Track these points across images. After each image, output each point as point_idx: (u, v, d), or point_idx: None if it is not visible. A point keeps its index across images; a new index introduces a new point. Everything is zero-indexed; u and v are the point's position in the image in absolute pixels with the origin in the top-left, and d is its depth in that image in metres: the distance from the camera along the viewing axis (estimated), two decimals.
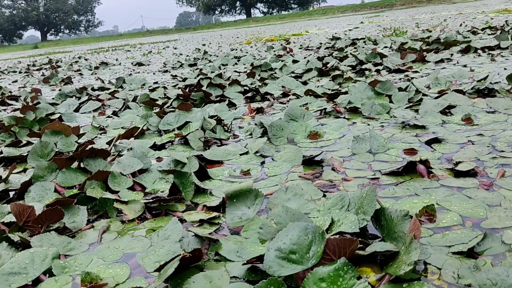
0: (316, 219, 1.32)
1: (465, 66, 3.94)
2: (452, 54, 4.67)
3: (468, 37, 5.80)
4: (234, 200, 1.45)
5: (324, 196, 1.53)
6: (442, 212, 1.33)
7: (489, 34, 6.37)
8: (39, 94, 4.76)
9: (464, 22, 9.94)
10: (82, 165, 1.92)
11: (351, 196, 1.34)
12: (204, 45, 13.90)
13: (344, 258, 1.05)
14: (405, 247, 1.08)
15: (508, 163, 1.62)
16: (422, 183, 1.54)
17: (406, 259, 1.04)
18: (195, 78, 4.94)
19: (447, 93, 2.70)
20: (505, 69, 3.58)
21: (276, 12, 71.35)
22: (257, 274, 1.10)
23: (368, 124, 2.38)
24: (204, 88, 3.81)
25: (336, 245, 1.07)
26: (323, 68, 4.47)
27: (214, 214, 1.46)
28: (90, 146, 2.00)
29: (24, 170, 2.20)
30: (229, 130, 2.55)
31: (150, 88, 4.79)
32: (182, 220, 1.45)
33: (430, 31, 7.98)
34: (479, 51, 4.66)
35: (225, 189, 1.48)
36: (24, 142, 2.73)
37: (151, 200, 1.55)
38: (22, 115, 3.36)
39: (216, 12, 77.54)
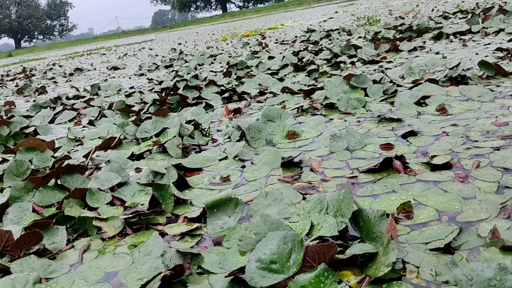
0: (296, 223, 1.33)
1: (437, 53, 3.99)
2: (424, 42, 4.72)
3: (440, 23, 5.87)
4: (214, 210, 1.45)
5: (304, 198, 1.54)
6: (419, 207, 1.35)
7: (460, 18, 6.46)
8: (13, 106, 4.67)
9: (436, 7, 10.04)
10: (59, 182, 1.90)
11: (329, 199, 1.36)
12: (180, 44, 13.79)
13: (324, 264, 1.06)
14: (383, 248, 1.10)
15: (481, 153, 1.65)
16: (399, 179, 1.56)
17: (385, 260, 1.06)
18: (171, 80, 4.90)
19: (421, 83, 2.74)
20: (476, 54, 3.63)
21: (252, 5, 71.10)
22: (240, 285, 1.11)
23: (345, 120, 2.40)
24: (180, 91, 3.78)
25: (316, 251, 1.08)
26: (298, 63, 4.48)
27: (196, 225, 1.46)
28: (66, 162, 1.97)
29: (1, 190, 2.16)
30: (207, 135, 2.54)
31: (126, 93, 4.74)
32: (163, 234, 1.45)
33: (403, 18, 8.05)
34: (451, 37, 4.72)
35: (204, 200, 1.48)
36: (0, 159, 2.68)
37: (131, 215, 1.54)
38: None
39: (192, 8, 76.96)
